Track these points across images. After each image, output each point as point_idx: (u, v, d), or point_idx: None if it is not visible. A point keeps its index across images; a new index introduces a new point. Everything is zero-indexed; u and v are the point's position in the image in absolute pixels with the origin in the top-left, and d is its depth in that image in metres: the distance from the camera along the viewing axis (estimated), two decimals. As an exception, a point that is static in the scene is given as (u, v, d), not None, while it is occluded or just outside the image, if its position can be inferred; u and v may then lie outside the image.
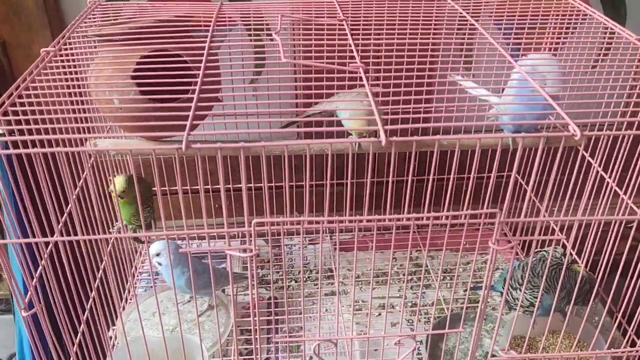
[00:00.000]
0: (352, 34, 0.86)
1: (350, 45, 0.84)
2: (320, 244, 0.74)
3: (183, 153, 0.57)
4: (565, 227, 1.08)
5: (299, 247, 1.37)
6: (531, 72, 0.80)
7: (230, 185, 1.26)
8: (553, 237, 0.70)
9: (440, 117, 1.13)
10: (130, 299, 1.19)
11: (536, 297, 0.90)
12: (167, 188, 1.27)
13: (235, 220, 1.36)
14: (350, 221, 0.64)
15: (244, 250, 0.67)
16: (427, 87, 1.11)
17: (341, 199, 1.32)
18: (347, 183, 0.62)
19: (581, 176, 0.90)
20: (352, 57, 0.87)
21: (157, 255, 1.00)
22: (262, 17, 1.07)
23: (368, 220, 0.64)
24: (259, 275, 1.27)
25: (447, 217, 0.65)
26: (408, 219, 0.64)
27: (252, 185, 1.26)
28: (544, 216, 0.97)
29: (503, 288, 1.02)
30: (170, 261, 0.75)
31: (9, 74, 1.27)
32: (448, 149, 0.78)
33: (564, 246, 1.07)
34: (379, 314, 1.17)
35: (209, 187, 1.30)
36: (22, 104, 0.71)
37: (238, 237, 1.39)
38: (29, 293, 0.71)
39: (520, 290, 0.93)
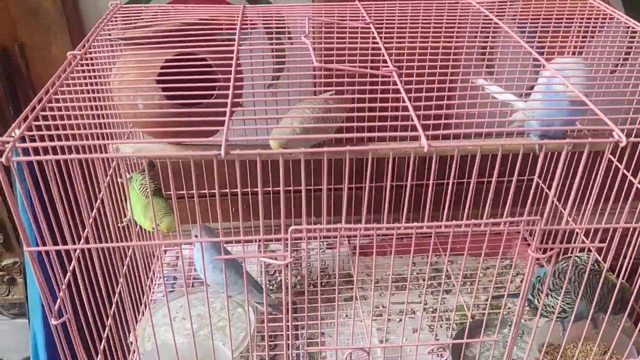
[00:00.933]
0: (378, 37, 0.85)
1: (375, 49, 0.83)
2: (357, 251, 0.73)
3: (222, 159, 0.56)
4: (591, 233, 1.07)
5: (316, 252, 1.36)
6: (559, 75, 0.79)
7: (247, 189, 1.24)
8: (594, 245, 0.69)
9: (461, 123, 1.13)
10: (150, 304, 1.18)
11: (568, 304, 0.89)
12: (177, 192, 1.26)
13: (252, 223, 1.35)
14: (388, 228, 0.63)
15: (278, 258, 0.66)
16: (449, 93, 1.11)
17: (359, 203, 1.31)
18: (386, 186, 0.61)
19: (606, 180, 0.89)
20: (375, 61, 0.85)
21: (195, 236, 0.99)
22: (284, 20, 1.06)
23: (406, 227, 0.63)
24: (278, 280, 1.26)
25: (486, 225, 0.63)
26: (447, 226, 0.63)
27: (270, 189, 1.25)
28: (567, 222, 0.95)
29: (530, 294, 1.00)
30: (204, 262, 0.73)
31: (26, 76, 1.26)
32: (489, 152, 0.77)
33: (589, 250, 1.05)
34: (400, 320, 1.15)
35: (226, 190, 1.30)
36: (51, 109, 0.70)
37: (255, 242, 1.37)
38: (59, 300, 0.70)
39: (551, 296, 0.92)
